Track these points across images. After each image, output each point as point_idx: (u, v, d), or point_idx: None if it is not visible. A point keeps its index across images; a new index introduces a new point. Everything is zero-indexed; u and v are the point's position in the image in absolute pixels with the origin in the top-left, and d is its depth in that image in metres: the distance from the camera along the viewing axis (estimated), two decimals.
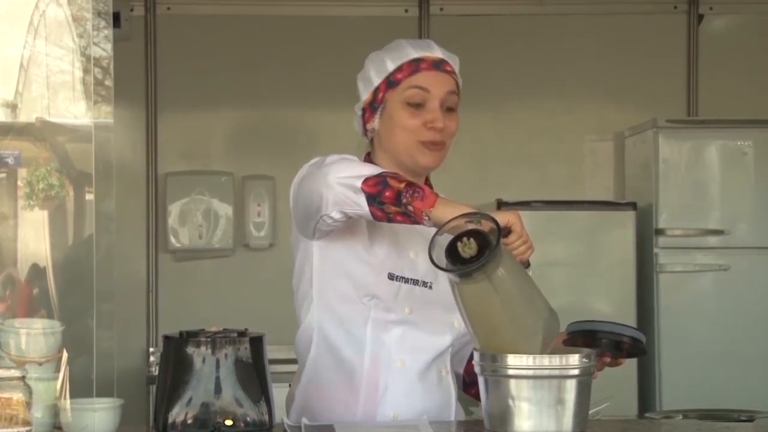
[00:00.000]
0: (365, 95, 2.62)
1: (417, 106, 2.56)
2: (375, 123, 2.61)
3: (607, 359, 2.50)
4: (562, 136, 5.68)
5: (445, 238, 2.23)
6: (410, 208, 2.28)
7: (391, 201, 2.30)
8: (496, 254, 2.18)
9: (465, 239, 2.21)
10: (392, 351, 2.56)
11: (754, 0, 5.71)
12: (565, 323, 2.47)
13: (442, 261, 2.22)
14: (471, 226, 2.22)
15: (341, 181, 2.36)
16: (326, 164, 2.43)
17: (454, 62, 2.63)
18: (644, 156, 5.26)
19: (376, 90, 2.60)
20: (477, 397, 2.68)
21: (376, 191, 2.31)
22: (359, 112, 2.65)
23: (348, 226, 2.51)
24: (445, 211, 2.26)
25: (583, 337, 2.46)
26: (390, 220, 2.34)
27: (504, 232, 2.24)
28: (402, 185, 2.30)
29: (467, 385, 2.72)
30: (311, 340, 2.60)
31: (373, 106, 2.61)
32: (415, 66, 2.58)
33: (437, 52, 2.61)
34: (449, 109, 2.59)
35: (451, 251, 2.22)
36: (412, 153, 2.57)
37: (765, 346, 5.07)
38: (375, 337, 2.55)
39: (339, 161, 2.43)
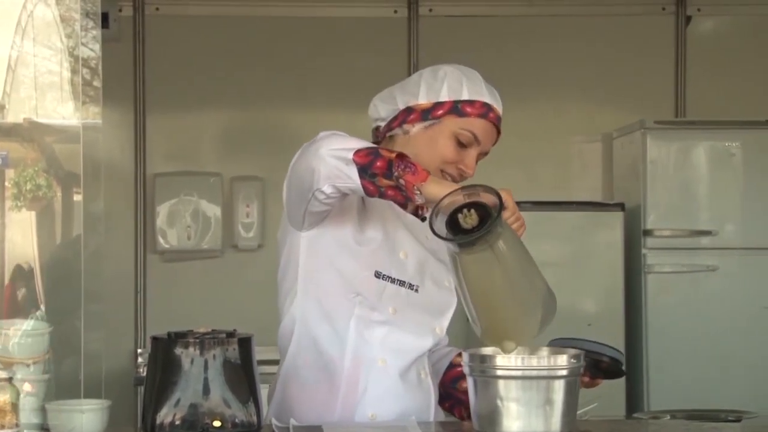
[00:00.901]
0: (423, 100, 2.60)
1: (462, 145, 2.58)
2: (416, 129, 2.59)
3: (586, 378, 2.50)
4: (550, 137, 5.68)
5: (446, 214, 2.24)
6: (402, 181, 2.27)
7: (383, 172, 2.28)
8: (499, 222, 2.20)
9: (465, 211, 2.22)
10: (374, 350, 2.54)
11: (742, 2, 5.72)
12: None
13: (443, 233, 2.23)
14: (469, 199, 2.23)
15: (333, 153, 2.34)
16: (318, 139, 2.42)
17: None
18: (632, 157, 5.27)
19: (439, 105, 2.58)
20: (451, 410, 2.69)
21: (367, 161, 2.29)
22: (402, 106, 2.62)
23: (338, 214, 2.49)
24: (437, 188, 2.26)
25: None
26: (382, 195, 2.32)
27: None
28: (393, 155, 2.29)
29: (442, 397, 2.69)
30: (292, 334, 2.58)
31: (425, 115, 2.59)
32: (485, 111, 2.60)
33: (500, 108, 2.64)
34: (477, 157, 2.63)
35: (451, 224, 2.23)
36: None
37: (753, 346, 5.08)
38: (358, 335, 2.53)
39: (330, 135, 2.42)
